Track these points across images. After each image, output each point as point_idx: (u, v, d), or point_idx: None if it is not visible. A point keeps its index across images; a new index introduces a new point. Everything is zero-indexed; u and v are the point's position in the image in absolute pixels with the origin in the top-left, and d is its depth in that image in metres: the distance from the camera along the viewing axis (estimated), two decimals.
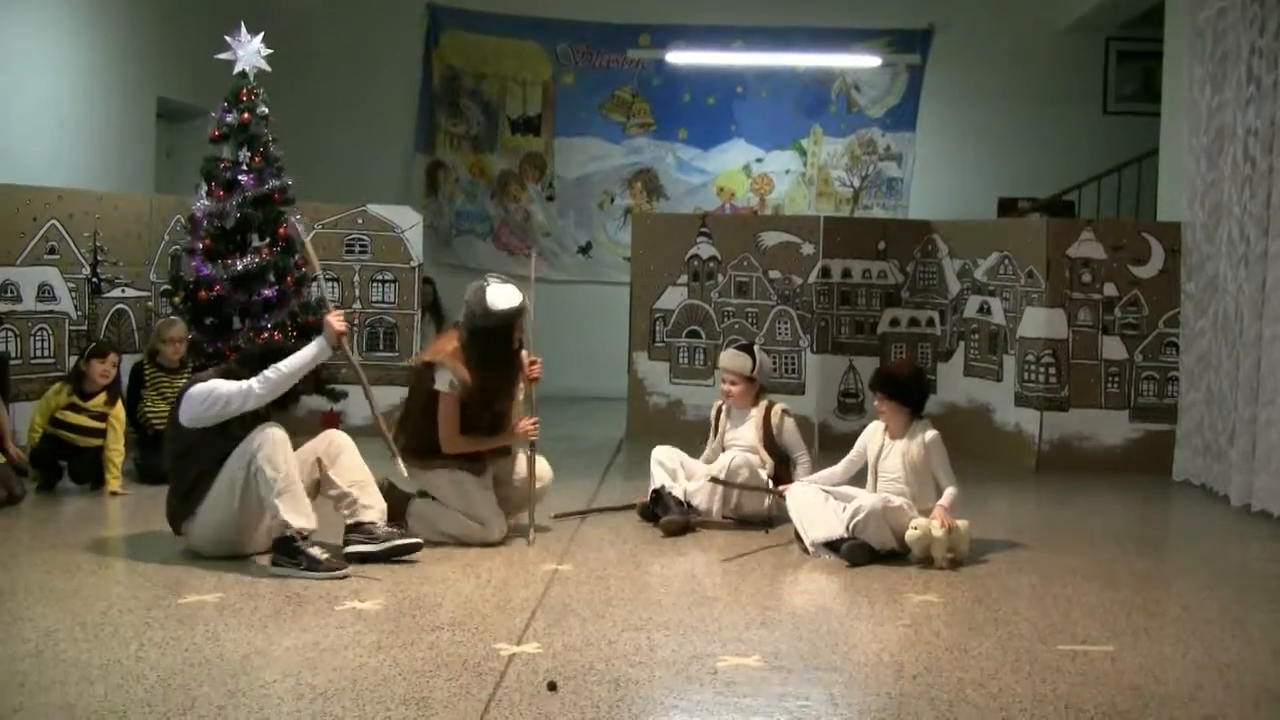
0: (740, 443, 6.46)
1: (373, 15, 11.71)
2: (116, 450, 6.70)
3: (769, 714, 3.74)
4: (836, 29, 11.60)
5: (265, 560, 5.26)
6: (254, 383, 5.21)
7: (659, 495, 6.25)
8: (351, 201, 9.13)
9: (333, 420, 8.73)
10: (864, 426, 6.11)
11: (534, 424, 5.85)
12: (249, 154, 7.77)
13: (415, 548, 5.38)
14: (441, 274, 11.38)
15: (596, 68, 11.85)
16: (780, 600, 5.11)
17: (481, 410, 5.71)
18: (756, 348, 6.66)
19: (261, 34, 7.80)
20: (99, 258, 7.70)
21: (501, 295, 5.61)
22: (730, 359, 6.58)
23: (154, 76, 9.71)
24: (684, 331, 9.24)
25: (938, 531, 5.46)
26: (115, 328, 7.96)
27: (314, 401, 8.00)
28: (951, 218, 9.96)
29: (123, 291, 8.00)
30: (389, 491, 5.74)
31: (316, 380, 5.67)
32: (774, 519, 6.22)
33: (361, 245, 8.94)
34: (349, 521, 5.38)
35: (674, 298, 9.31)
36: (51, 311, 7.45)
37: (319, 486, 5.47)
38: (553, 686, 3.87)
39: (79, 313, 7.60)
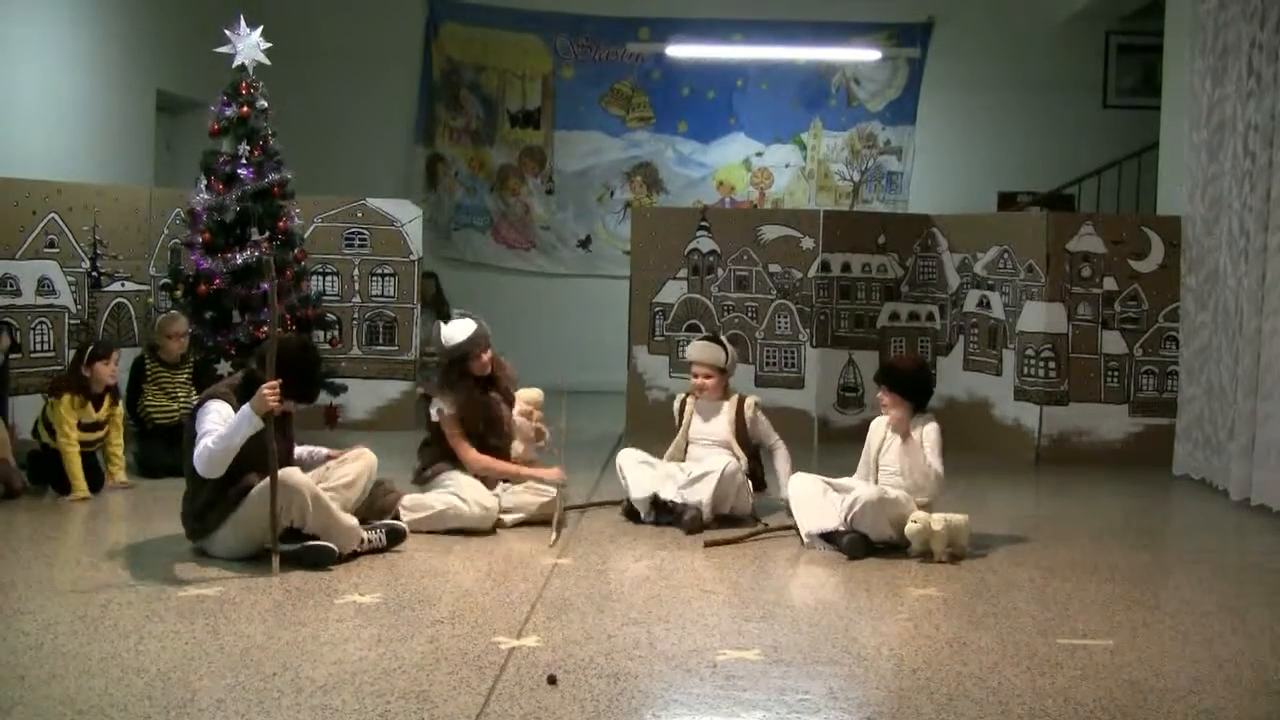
0: (712, 437, 6.35)
1: (372, 8, 11.70)
2: (118, 444, 6.69)
3: (769, 708, 3.75)
4: (836, 23, 11.60)
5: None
6: (197, 458, 5.07)
7: (656, 502, 6.13)
8: (351, 195, 9.12)
9: (333, 416, 8.75)
10: (864, 421, 6.11)
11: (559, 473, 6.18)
12: (248, 148, 7.78)
13: (328, 552, 5.21)
14: (441, 268, 11.39)
15: (596, 61, 11.85)
16: (780, 594, 5.11)
17: (477, 425, 6.11)
18: (724, 337, 6.55)
19: (261, 27, 7.79)
20: (98, 251, 7.69)
21: (453, 330, 6.05)
22: (701, 351, 6.40)
23: (153, 70, 9.70)
24: (684, 325, 9.24)
25: (937, 525, 5.47)
26: (115, 321, 7.95)
27: None
28: (951, 212, 9.95)
29: (122, 285, 7.99)
30: (387, 493, 5.77)
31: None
32: (758, 516, 6.23)
33: (361, 239, 8.94)
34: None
35: (674, 291, 9.31)
36: (51, 305, 7.44)
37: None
38: (553, 680, 3.87)
39: (78, 306, 7.59)
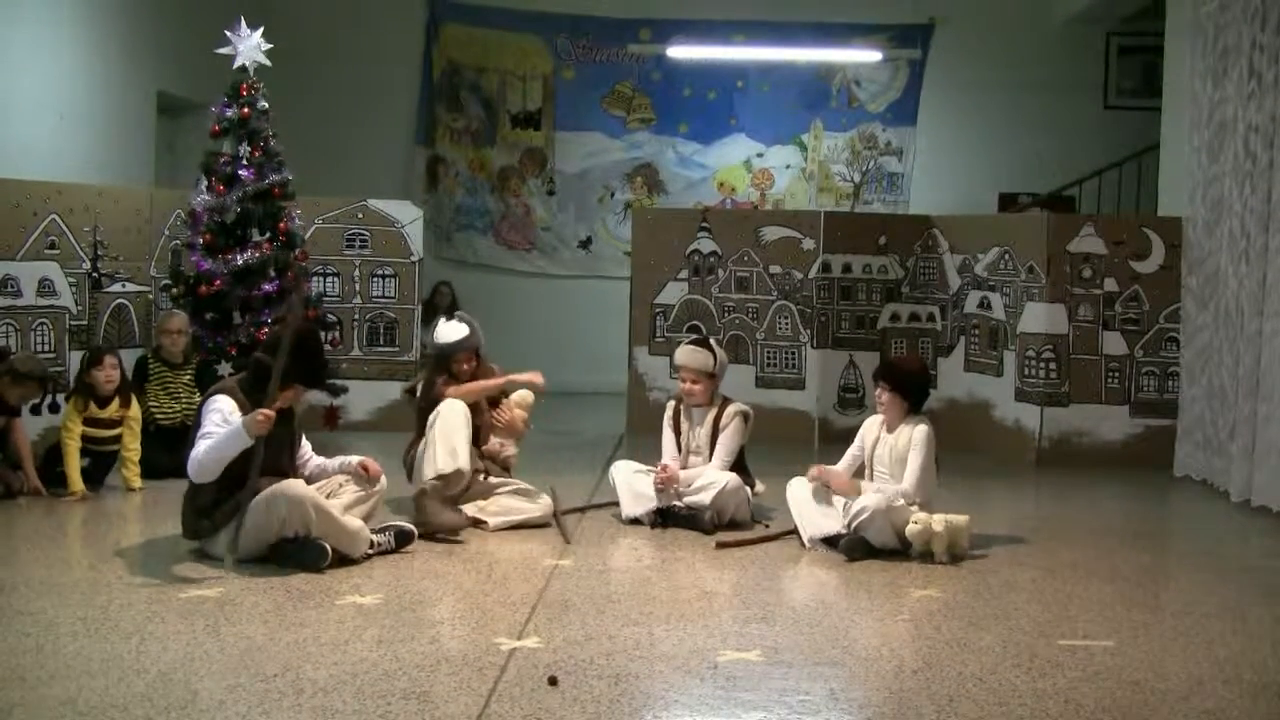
0: (700, 445, 6.24)
1: (373, 9, 11.70)
2: (134, 450, 6.68)
3: (769, 709, 3.75)
4: (837, 24, 11.60)
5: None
6: (189, 463, 5.09)
7: (667, 513, 6.09)
8: (351, 196, 9.12)
9: (334, 417, 8.75)
10: (864, 422, 6.09)
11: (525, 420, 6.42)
12: (249, 148, 7.78)
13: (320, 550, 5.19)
14: (443, 269, 11.39)
15: (597, 62, 11.85)
16: (781, 595, 5.11)
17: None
18: (714, 341, 6.47)
19: (261, 28, 7.79)
20: (99, 252, 7.69)
21: (446, 331, 6.27)
22: (689, 356, 6.22)
23: (154, 71, 9.70)
24: (684, 326, 9.22)
25: (938, 526, 5.46)
26: (115, 323, 7.95)
27: (314, 396, 7.99)
28: (952, 213, 9.95)
29: (123, 286, 7.99)
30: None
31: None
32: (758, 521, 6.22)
33: (362, 240, 8.94)
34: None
35: (674, 293, 9.30)
36: (52, 306, 7.44)
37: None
38: (553, 681, 3.87)
39: (79, 307, 7.59)
